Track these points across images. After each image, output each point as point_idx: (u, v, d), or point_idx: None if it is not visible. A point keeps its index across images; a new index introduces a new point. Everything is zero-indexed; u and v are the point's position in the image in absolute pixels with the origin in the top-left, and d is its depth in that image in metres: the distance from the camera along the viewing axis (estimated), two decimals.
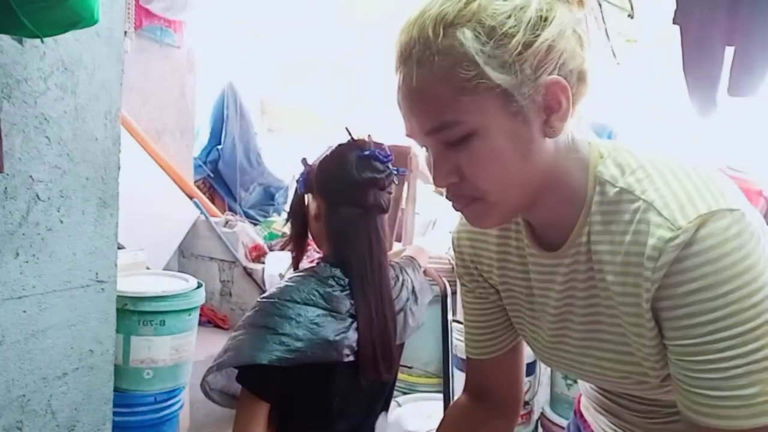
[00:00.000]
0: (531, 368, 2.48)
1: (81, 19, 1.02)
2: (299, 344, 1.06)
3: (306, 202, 1.25)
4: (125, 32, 2.24)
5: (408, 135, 0.71)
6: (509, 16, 0.63)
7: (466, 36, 0.63)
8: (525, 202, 0.71)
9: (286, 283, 1.16)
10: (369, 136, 1.24)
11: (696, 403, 0.63)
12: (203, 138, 4.42)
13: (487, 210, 0.70)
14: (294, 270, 1.28)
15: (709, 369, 0.62)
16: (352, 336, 1.13)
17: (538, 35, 0.64)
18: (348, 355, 1.12)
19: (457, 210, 0.73)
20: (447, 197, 0.72)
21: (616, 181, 0.68)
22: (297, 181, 1.25)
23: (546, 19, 0.64)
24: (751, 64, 2.26)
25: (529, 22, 0.63)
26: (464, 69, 0.62)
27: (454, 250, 0.92)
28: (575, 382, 2.23)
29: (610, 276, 0.69)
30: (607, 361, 0.75)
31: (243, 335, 1.09)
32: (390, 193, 1.23)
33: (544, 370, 2.54)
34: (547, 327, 0.81)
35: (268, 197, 4.64)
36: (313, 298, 1.12)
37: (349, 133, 1.20)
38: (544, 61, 0.64)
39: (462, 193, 0.69)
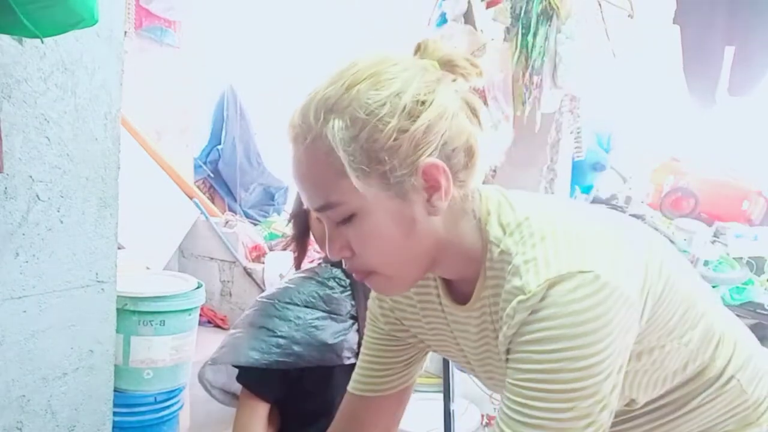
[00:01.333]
0: None
1: (81, 19, 1.02)
2: (297, 348, 1.07)
3: None
4: (125, 32, 2.24)
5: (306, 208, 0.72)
6: (384, 104, 0.65)
7: (338, 126, 0.66)
8: (421, 270, 0.74)
9: (287, 284, 1.16)
10: None
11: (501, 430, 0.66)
12: (203, 138, 4.42)
13: (386, 282, 0.74)
14: (296, 269, 1.27)
15: (515, 410, 0.65)
16: (352, 338, 1.13)
17: (415, 120, 0.65)
18: (348, 357, 1.11)
19: (357, 277, 0.75)
20: (346, 270, 0.76)
21: (499, 242, 0.71)
22: None
23: (424, 103, 0.66)
24: (751, 64, 2.26)
25: (404, 109, 0.65)
26: (342, 149, 0.65)
27: (375, 298, 0.92)
28: None
29: (496, 334, 0.72)
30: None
31: (241, 334, 1.09)
32: None
33: None
34: (473, 360, 0.85)
35: (268, 197, 4.64)
36: (313, 300, 1.12)
37: None
38: (422, 145, 0.66)
39: (358, 267, 0.73)
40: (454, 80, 0.70)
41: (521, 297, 0.65)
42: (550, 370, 0.63)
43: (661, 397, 0.81)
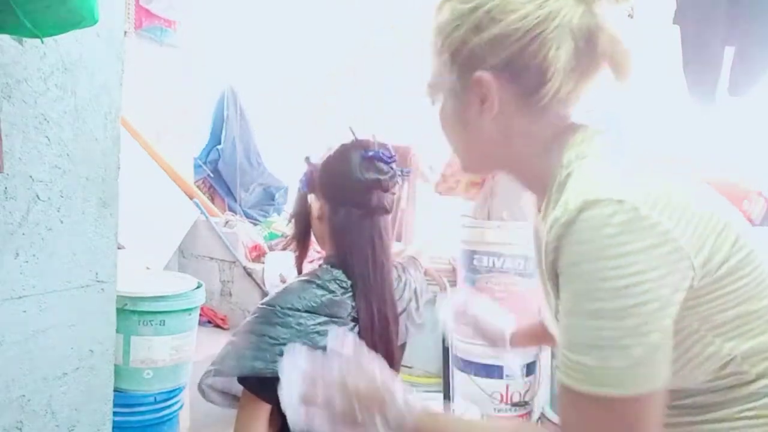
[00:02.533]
0: (531, 368, 2.48)
1: (81, 19, 1.02)
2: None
3: (308, 202, 1.24)
4: (125, 32, 2.24)
5: None
6: (461, 15, 0.76)
7: (431, 29, 0.81)
8: (485, 165, 0.91)
9: (287, 289, 1.15)
10: (373, 135, 1.23)
11: (561, 361, 0.70)
12: (203, 138, 4.42)
13: (459, 160, 0.91)
14: (297, 269, 1.27)
15: (566, 332, 0.69)
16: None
17: (479, 33, 0.75)
18: None
19: None
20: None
21: (569, 166, 0.75)
22: (300, 181, 1.24)
23: (493, 20, 0.74)
24: (751, 64, 2.26)
25: (474, 22, 0.75)
26: (432, 43, 0.81)
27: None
28: None
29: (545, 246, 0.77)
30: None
31: (243, 343, 1.09)
32: (393, 194, 1.22)
33: (544, 370, 2.54)
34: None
35: (268, 197, 4.64)
36: (314, 305, 1.11)
37: (353, 133, 1.20)
38: (478, 57, 0.76)
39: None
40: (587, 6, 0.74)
41: (558, 214, 0.69)
42: (588, 290, 0.66)
43: (688, 395, 0.78)
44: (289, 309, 1.10)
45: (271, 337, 1.07)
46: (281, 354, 1.06)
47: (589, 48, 0.74)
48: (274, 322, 1.09)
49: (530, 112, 0.77)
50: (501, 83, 0.75)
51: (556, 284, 0.72)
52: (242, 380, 1.11)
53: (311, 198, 1.23)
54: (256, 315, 1.12)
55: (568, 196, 0.70)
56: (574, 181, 0.72)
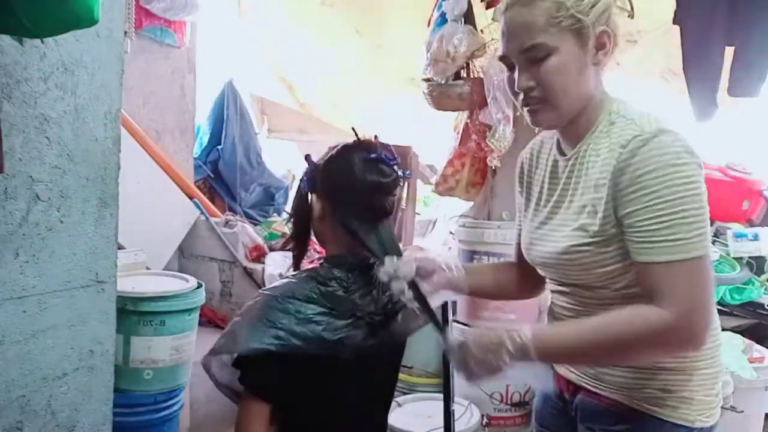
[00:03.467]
0: None
1: (81, 19, 1.02)
2: (295, 340, 1.06)
3: (309, 201, 1.24)
4: (125, 32, 2.24)
5: (503, 54, 1.09)
6: None
7: None
8: (574, 109, 1.08)
9: (288, 280, 1.16)
10: (376, 137, 1.23)
11: (643, 248, 0.98)
12: (203, 138, 4.42)
13: (549, 112, 1.08)
14: (295, 268, 1.27)
15: (650, 222, 0.97)
16: (353, 336, 1.12)
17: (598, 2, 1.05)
18: (348, 355, 1.11)
19: (526, 108, 1.10)
20: (522, 102, 1.10)
21: (618, 112, 1.07)
22: (301, 180, 1.24)
23: None
24: (751, 64, 2.26)
25: None
26: (556, 11, 1.02)
27: (517, 168, 1.31)
28: None
29: (592, 168, 1.06)
30: (563, 237, 1.10)
31: (241, 324, 1.09)
32: (395, 195, 1.22)
33: None
34: (538, 215, 1.19)
35: (268, 197, 4.64)
36: (314, 296, 1.12)
37: (356, 134, 1.19)
38: (602, 16, 1.05)
39: (534, 96, 1.07)
40: None
41: (636, 132, 1.00)
42: (666, 187, 0.96)
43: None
44: (289, 297, 1.10)
45: (268, 320, 1.07)
46: (277, 338, 1.06)
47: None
48: (274, 307, 1.09)
49: (603, 63, 1.09)
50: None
51: (613, 191, 1.00)
52: (242, 379, 1.11)
53: (312, 198, 1.23)
54: (256, 300, 1.13)
55: (633, 127, 1.01)
56: (627, 120, 1.03)
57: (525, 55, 1.05)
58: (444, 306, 1.50)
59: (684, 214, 0.95)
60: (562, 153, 1.16)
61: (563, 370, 1.21)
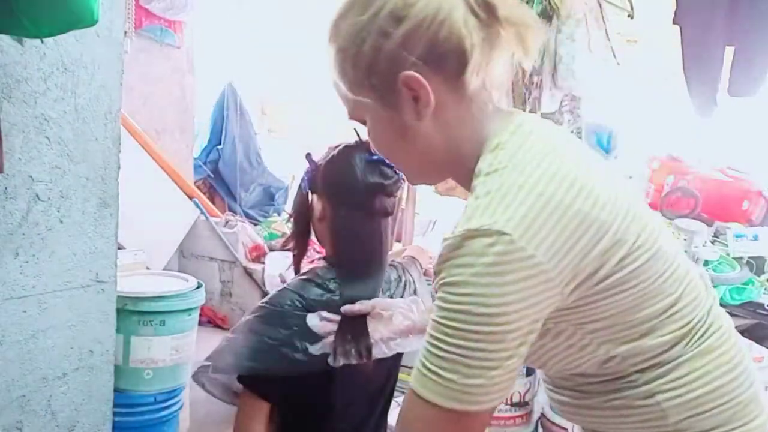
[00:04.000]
0: (532, 368, 2.48)
1: (81, 19, 1.02)
2: (298, 355, 1.06)
3: (310, 201, 1.24)
4: (125, 32, 2.24)
5: None
6: (362, 28, 0.75)
7: (331, 54, 0.79)
8: (430, 173, 0.86)
9: (287, 289, 1.15)
10: None
11: (418, 369, 0.73)
12: (203, 138, 4.42)
13: (407, 178, 0.91)
14: (295, 268, 1.27)
15: (434, 344, 0.71)
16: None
17: (389, 37, 0.74)
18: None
19: None
20: None
21: (477, 177, 0.75)
22: (302, 179, 1.24)
23: (400, 19, 0.73)
24: (751, 64, 2.26)
25: (379, 28, 0.74)
26: (339, 80, 0.80)
27: None
28: None
29: None
30: None
31: (242, 341, 1.09)
32: (395, 197, 1.22)
33: None
34: None
35: (268, 197, 4.64)
36: (314, 305, 1.11)
37: (357, 134, 1.19)
38: (398, 59, 0.74)
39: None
40: None
41: (447, 235, 0.72)
42: (462, 310, 0.68)
43: (585, 377, 0.83)
44: (290, 308, 1.10)
45: (269, 338, 1.07)
46: (279, 354, 1.06)
47: (491, 17, 0.74)
48: (274, 322, 1.09)
49: (461, 98, 0.77)
50: (427, 77, 0.74)
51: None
52: (241, 378, 1.11)
53: (313, 198, 1.23)
54: (256, 314, 1.12)
55: (460, 219, 0.72)
56: (473, 200, 0.73)
57: (353, 120, 0.86)
58: None
59: (478, 355, 0.69)
60: None
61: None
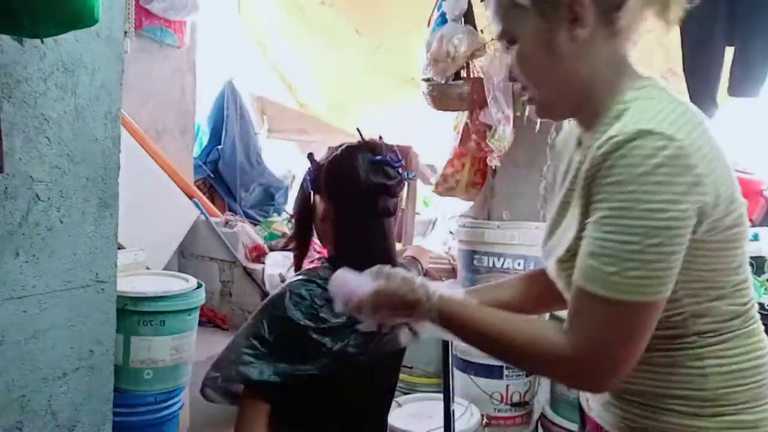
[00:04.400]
0: None
1: (81, 19, 1.02)
2: (304, 365, 1.06)
3: (312, 201, 1.24)
4: (125, 32, 2.24)
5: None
6: None
7: None
8: (564, 103, 0.90)
9: (288, 289, 1.14)
10: (380, 137, 1.22)
11: (582, 267, 0.80)
12: (203, 138, 4.42)
13: (537, 104, 0.92)
14: (296, 268, 1.27)
15: (594, 243, 0.78)
16: (355, 339, 1.12)
17: None
18: (351, 360, 1.11)
19: (524, 99, 0.94)
20: (520, 94, 0.97)
21: (628, 103, 0.83)
22: (303, 179, 1.23)
23: None
24: (751, 64, 2.25)
25: None
26: None
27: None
28: None
29: (585, 164, 0.84)
30: (560, 247, 0.91)
31: (247, 348, 1.09)
32: (398, 197, 1.21)
33: None
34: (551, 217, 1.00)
35: (268, 197, 4.63)
36: (316, 307, 1.11)
37: (360, 134, 1.19)
38: None
39: (522, 85, 0.92)
40: None
41: (613, 133, 0.77)
42: (621, 207, 0.75)
43: None
44: (291, 308, 1.10)
45: (273, 344, 1.07)
46: (288, 364, 1.06)
47: None
48: (275, 324, 1.08)
49: (607, 34, 0.84)
50: (589, 4, 0.82)
51: (587, 200, 0.81)
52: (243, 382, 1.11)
53: (316, 199, 1.23)
54: (258, 318, 1.12)
55: (626, 121, 0.78)
56: (633, 112, 0.80)
57: (501, 43, 0.91)
58: None
59: (633, 248, 0.75)
60: (579, 144, 0.96)
61: (594, 414, 1.01)
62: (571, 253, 0.86)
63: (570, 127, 1.06)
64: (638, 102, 0.82)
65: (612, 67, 0.87)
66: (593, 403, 1.00)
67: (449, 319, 0.91)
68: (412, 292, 0.91)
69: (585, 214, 0.82)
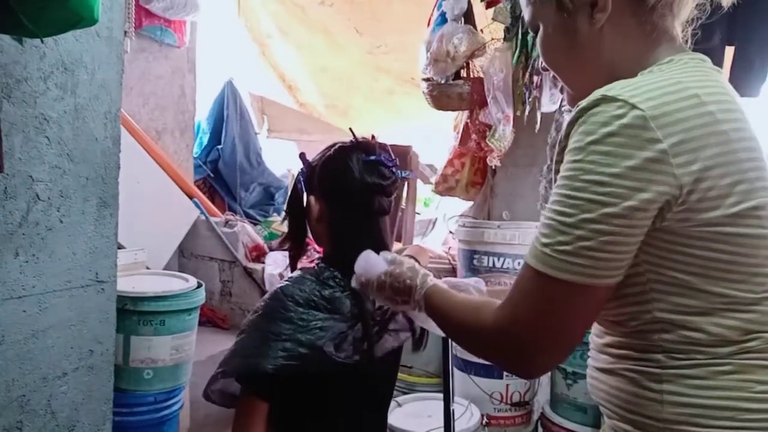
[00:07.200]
0: None
1: (81, 19, 1.02)
2: (302, 350, 1.06)
3: (305, 201, 1.24)
4: (125, 32, 2.24)
5: None
6: None
7: None
8: (590, 88, 0.77)
9: (287, 284, 1.15)
10: (373, 136, 1.22)
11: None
12: (203, 138, 4.42)
13: (570, 97, 0.89)
14: (291, 268, 1.27)
15: (546, 213, 0.72)
16: (354, 337, 1.13)
17: None
18: (350, 357, 1.11)
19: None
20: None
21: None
22: (296, 180, 1.24)
23: None
24: (751, 64, 2.26)
25: None
26: None
27: None
28: (575, 381, 2.23)
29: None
30: None
31: (248, 341, 1.09)
32: (393, 197, 1.22)
33: None
34: None
35: (268, 197, 4.63)
36: (315, 299, 1.11)
37: (353, 134, 1.19)
38: None
39: (557, 80, 0.90)
40: None
41: (581, 102, 0.72)
42: (569, 177, 0.69)
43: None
44: (291, 303, 1.10)
45: (273, 333, 1.07)
46: (284, 350, 1.06)
47: None
48: (277, 318, 1.09)
49: (635, 12, 0.80)
50: None
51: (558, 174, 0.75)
52: (240, 379, 1.11)
53: (311, 199, 1.23)
54: (258, 313, 1.12)
55: (596, 93, 0.71)
56: (618, 83, 0.73)
57: (532, 33, 0.91)
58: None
59: (567, 220, 0.68)
60: None
61: None
62: None
63: None
64: (641, 75, 0.76)
65: (642, 47, 0.81)
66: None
67: (430, 306, 0.92)
68: (411, 279, 0.95)
69: None
